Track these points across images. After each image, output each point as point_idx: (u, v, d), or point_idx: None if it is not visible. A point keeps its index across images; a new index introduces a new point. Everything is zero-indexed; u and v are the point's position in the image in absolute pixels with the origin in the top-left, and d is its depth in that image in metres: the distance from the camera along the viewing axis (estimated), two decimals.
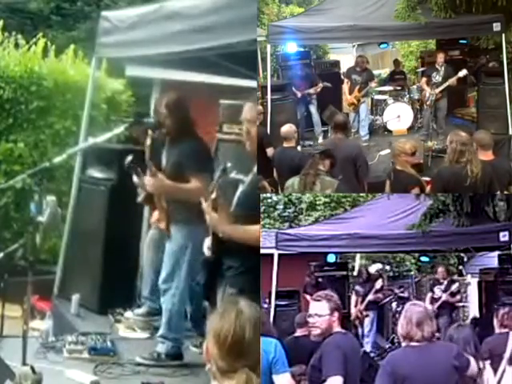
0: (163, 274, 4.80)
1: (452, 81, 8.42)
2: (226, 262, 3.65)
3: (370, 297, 7.86)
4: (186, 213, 4.60)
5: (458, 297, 7.88)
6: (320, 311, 3.32)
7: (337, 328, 3.32)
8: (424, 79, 9.08)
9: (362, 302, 7.88)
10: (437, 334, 3.16)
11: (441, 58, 8.77)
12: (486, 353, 4.21)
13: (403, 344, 3.09)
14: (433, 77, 8.74)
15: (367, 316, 7.87)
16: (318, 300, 3.37)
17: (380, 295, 8.06)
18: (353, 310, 7.74)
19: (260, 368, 2.19)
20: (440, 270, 8.12)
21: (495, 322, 4.44)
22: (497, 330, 4.40)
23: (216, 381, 2.16)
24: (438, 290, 7.73)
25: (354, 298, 7.85)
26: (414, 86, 9.80)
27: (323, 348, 3.28)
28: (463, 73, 8.33)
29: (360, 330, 7.84)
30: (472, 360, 3.17)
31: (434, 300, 7.64)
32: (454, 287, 7.76)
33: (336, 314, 3.32)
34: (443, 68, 8.59)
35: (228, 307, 2.20)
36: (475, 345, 4.09)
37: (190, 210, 4.34)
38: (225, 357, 2.13)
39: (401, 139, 5.73)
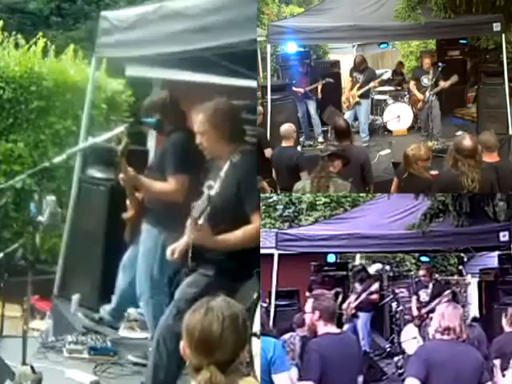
0: (137, 280, 4.86)
1: (444, 85, 8.45)
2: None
3: (363, 296, 7.63)
4: (160, 215, 4.56)
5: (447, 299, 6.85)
6: (307, 309, 3.44)
7: (323, 328, 3.36)
8: (412, 82, 9.11)
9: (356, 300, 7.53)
10: None
11: (428, 61, 8.80)
12: (495, 352, 4.23)
13: (439, 337, 3.10)
14: (421, 80, 8.78)
15: (357, 317, 7.49)
16: (309, 297, 3.51)
17: (374, 296, 7.80)
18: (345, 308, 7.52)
19: (227, 365, 2.11)
20: (421, 272, 7.44)
21: (503, 321, 4.45)
22: (506, 330, 4.42)
23: (192, 378, 2.16)
24: (424, 294, 7.18)
25: (352, 296, 7.68)
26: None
27: (306, 351, 3.38)
28: (454, 79, 8.37)
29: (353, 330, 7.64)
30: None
31: (420, 304, 7.07)
32: (446, 293, 6.90)
33: (317, 313, 3.36)
34: (431, 71, 8.60)
35: (200, 304, 2.18)
36: (486, 345, 4.11)
37: (166, 212, 4.35)
38: (194, 354, 2.13)
39: (412, 146, 5.61)
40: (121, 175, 4.52)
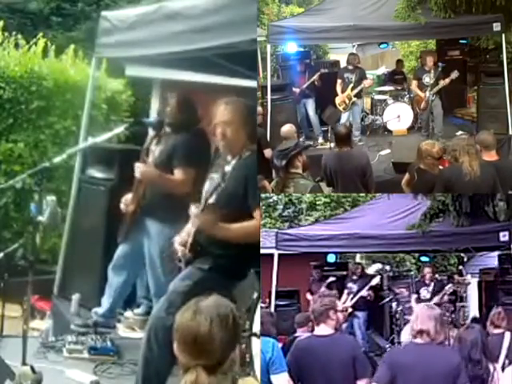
0: (151, 279, 4.86)
1: (445, 82, 8.44)
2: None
3: (363, 293, 7.41)
4: (169, 211, 4.63)
5: (449, 298, 7.18)
6: None
7: (315, 329, 3.43)
8: (414, 82, 9.08)
9: (352, 299, 7.35)
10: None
11: (430, 60, 8.78)
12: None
13: (414, 340, 3.10)
14: (423, 79, 8.77)
15: (354, 316, 7.43)
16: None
17: (370, 292, 7.58)
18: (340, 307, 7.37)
19: (220, 368, 2.12)
20: (426, 270, 7.56)
21: (488, 324, 4.45)
22: (491, 332, 4.40)
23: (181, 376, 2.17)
24: (424, 292, 7.28)
25: (345, 295, 7.59)
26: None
27: None
28: (455, 74, 8.36)
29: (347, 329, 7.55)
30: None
31: (420, 302, 6.88)
32: (448, 288, 7.14)
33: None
34: (433, 70, 8.59)
35: (189, 305, 2.18)
36: (483, 347, 4.09)
37: (174, 208, 4.39)
38: (182, 354, 2.13)
39: (427, 141, 5.70)
40: (139, 168, 4.66)
